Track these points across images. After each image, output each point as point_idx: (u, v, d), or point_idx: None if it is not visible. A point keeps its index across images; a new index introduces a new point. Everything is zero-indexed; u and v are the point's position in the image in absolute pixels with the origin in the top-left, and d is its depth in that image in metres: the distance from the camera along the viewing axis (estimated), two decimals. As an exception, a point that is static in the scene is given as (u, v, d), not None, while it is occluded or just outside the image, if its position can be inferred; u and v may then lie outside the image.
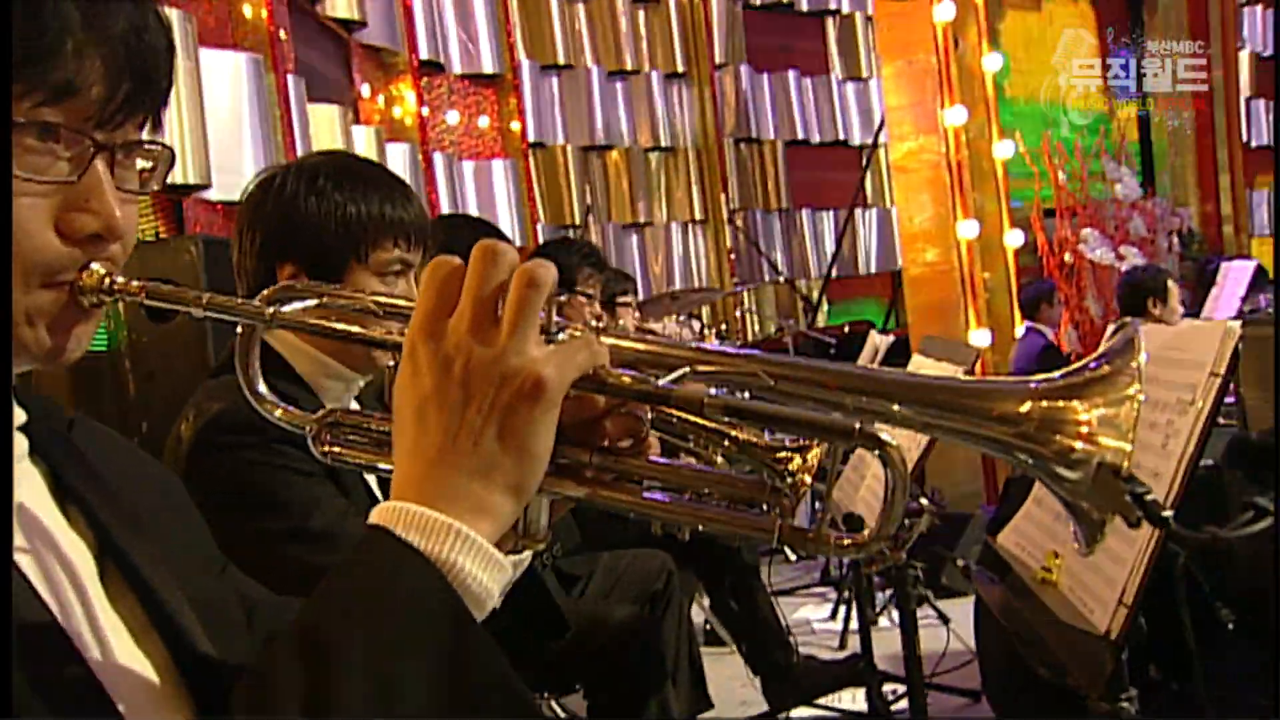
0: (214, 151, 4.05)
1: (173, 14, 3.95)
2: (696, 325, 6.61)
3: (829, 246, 9.26)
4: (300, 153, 5.20)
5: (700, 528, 0.79)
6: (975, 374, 3.10)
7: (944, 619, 4.29)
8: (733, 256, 8.98)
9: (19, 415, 0.78)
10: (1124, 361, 0.74)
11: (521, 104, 8.03)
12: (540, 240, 7.74)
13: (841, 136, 9.82)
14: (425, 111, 7.16)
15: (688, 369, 0.78)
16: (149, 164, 0.80)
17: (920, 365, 2.42)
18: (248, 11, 4.78)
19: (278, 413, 0.84)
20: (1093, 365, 0.74)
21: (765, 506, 0.78)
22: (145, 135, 0.78)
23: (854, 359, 3.75)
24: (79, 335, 0.76)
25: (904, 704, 2.97)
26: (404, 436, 0.74)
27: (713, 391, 0.77)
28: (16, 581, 0.69)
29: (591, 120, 8.60)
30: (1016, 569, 1.56)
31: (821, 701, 3.55)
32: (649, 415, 0.80)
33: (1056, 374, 0.75)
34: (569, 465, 0.79)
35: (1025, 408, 0.73)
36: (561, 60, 8.45)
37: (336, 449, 0.83)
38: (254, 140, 4.59)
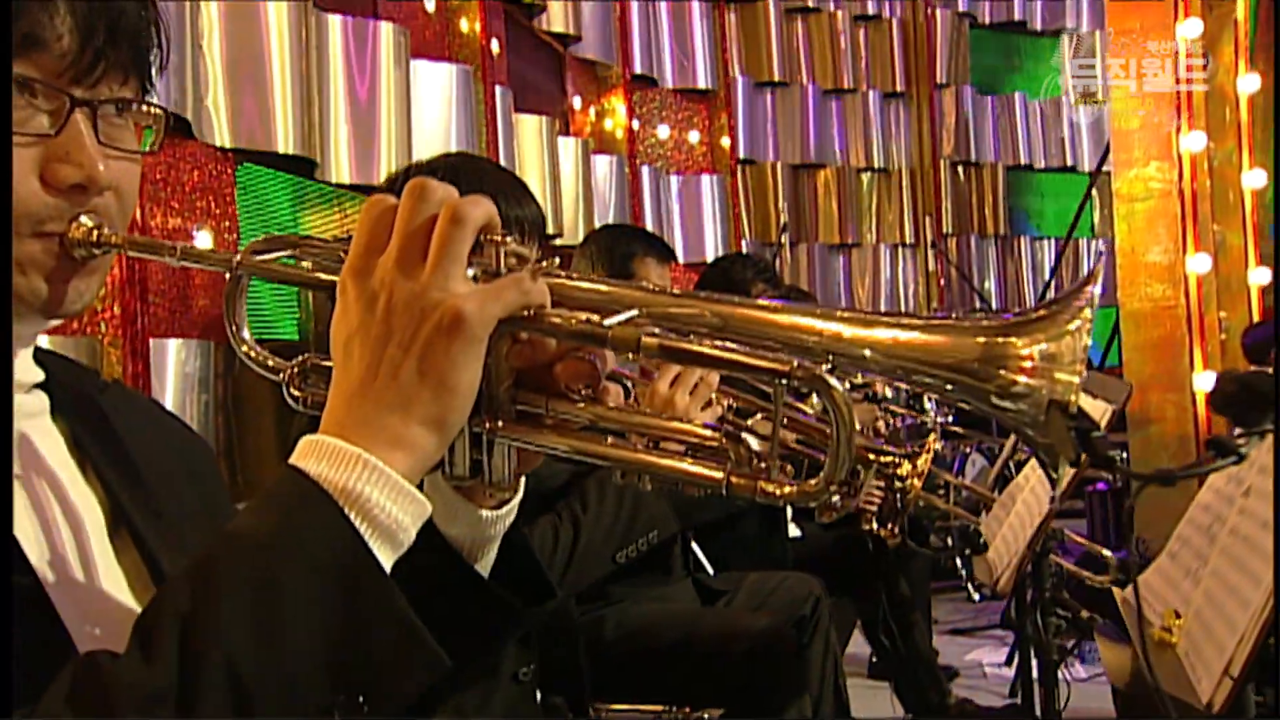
0: (420, 158, 4.28)
1: (386, 27, 4.22)
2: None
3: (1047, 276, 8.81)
4: (504, 163, 5.42)
5: (652, 474, 0.78)
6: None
7: (1097, 631, 3.99)
8: (942, 283, 8.68)
9: (36, 373, 0.84)
10: (1071, 299, 0.72)
11: (733, 120, 8.04)
12: (743, 257, 7.71)
13: (1070, 162, 9.32)
14: (635, 125, 7.30)
15: (636, 311, 0.77)
16: (150, 124, 0.85)
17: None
18: (464, 26, 5.02)
19: (256, 358, 0.87)
20: (1041, 306, 0.73)
21: (727, 458, 0.78)
22: (134, 95, 0.81)
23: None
24: (78, 288, 0.81)
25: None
26: (335, 374, 0.75)
27: (655, 332, 0.75)
28: None
29: (805, 138, 8.53)
30: (1133, 626, 1.43)
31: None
32: (609, 361, 0.79)
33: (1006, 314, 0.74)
34: (526, 412, 0.79)
35: (971, 345, 0.72)
36: (777, 77, 8.42)
37: (310, 395, 0.85)
38: (459, 148, 4.82)
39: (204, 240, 3.58)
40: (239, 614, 0.65)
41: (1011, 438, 2.86)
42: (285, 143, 3.92)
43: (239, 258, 0.84)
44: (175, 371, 3.23)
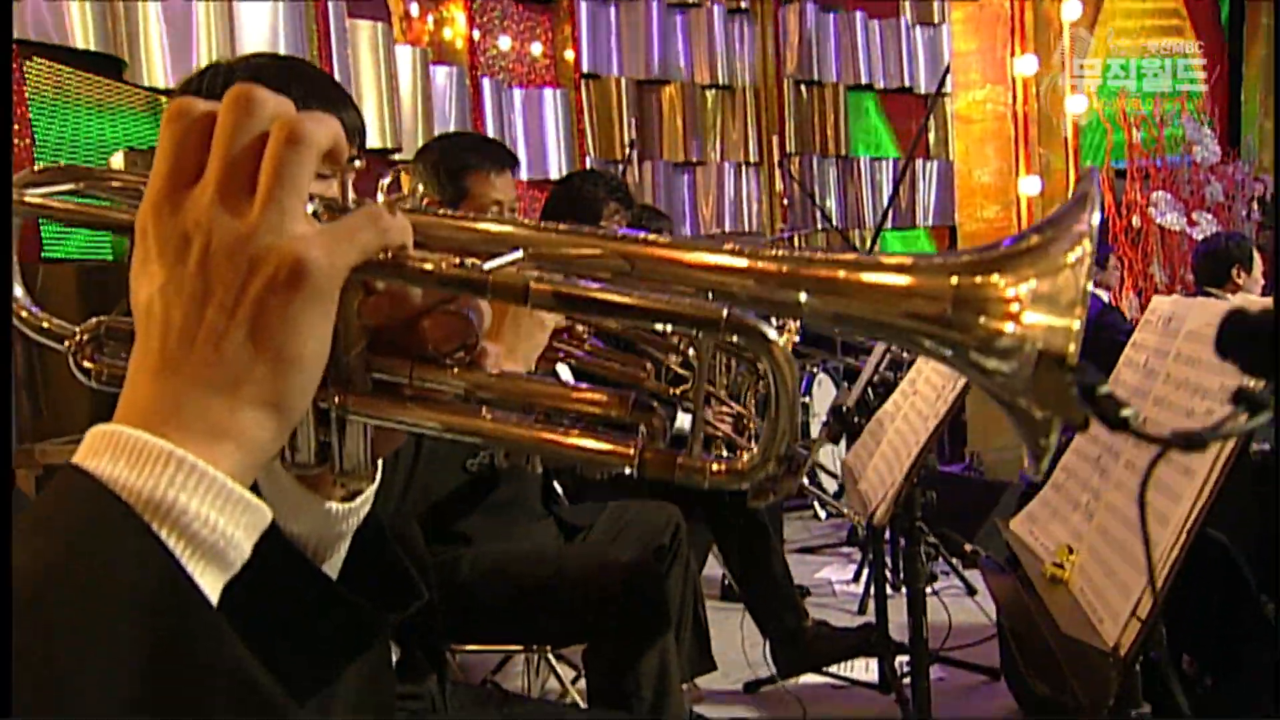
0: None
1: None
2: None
3: (887, 197, 8.97)
4: (338, 72, 5.06)
5: (548, 456, 0.64)
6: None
7: (970, 590, 4.13)
8: (785, 202, 8.72)
9: None
10: (1066, 225, 0.57)
11: (577, 32, 7.79)
12: (588, 174, 7.55)
13: (907, 83, 9.45)
14: (476, 35, 6.97)
15: (520, 253, 0.61)
16: None
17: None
18: (288, -81, 4.62)
19: (30, 321, 0.69)
20: (1026, 235, 0.58)
21: (632, 428, 0.63)
22: None
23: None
24: None
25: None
26: (137, 343, 0.57)
27: (545, 277, 0.60)
28: None
29: (649, 53, 8.34)
30: (1025, 562, 1.39)
31: (831, 670, 3.41)
32: (486, 315, 0.63)
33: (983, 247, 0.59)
34: (384, 382, 0.63)
35: (941, 286, 0.57)
36: (621, -12, 8.18)
37: (106, 368, 0.68)
38: (286, 54, 4.46)
39: (-8, 148, 3.19)
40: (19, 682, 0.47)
41: (872, 359, 2.83)
42: (84, 37, 3.52)
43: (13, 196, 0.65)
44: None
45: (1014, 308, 0.56)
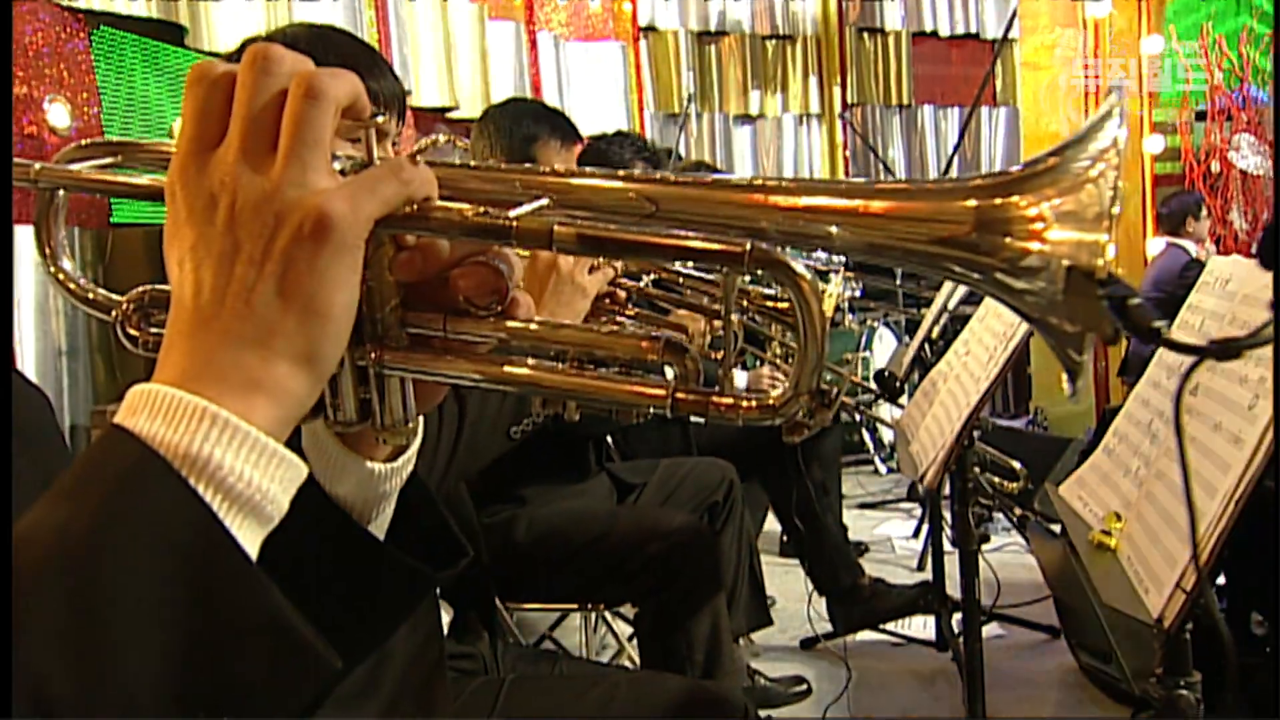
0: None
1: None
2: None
3: (951, 147, 8.76)
4: (394, 34, 5.07)
5: (582, 400, 0.65)
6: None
7: (1027, 530, 4.09)
8: (847, 154, 8.58)
9: None
10: (1085, 143, 0.57)
11: (634, -16, 7.69)
12: (647, 128, 7.50)
13: (974, 29, 9.19)
14: (533, -11, 6.92)
15: (545, 200, 0.62)
16: None
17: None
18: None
19: (78, 292, 0.72)
20: (1043, 157, 0.58)
21: (665, 370, 0.64)
22: None
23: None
24: None
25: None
26: (172, 305, 0.59)
27: (566, 220, 0.61)
28: None
29: (707, 3, 8.22)
30: (1072, 528, 1.37)
31: (888, 627, 3.41)
32: (516, 265, 0.64)
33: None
34: (420, 336, 0.64)
35: (960, 210, 0.57)
36: (679, -61, 8.06)
37: (153, 337, 0.69)
38: (346, 14, 4.48)
39: (59, 115, 3.26)
40: (51, 631, 0.49)
41: (929, 315, 2.79)
42: (147, 5, 3.57)
43: (38, 166, 0.67)
44: (34, 263, 2.96)
45: (1038, 226, 0.56)
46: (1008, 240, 0.56)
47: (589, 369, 0.65)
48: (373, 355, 0.64)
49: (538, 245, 0.60)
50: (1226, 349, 0.62)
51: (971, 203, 0.57)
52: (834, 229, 0.59)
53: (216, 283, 0.57)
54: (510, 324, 0.65)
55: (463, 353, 0.65)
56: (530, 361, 0.65)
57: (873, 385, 2.88)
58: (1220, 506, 1.08)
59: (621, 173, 0.64)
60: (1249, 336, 0.63)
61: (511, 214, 0.60)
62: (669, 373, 0.64)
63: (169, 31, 3.70)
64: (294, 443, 0.59)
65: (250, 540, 0.56)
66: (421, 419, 0.71)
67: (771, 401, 0.62)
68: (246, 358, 0.56)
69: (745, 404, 0.62)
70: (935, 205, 0.58)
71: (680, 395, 0.62)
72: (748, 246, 0.59)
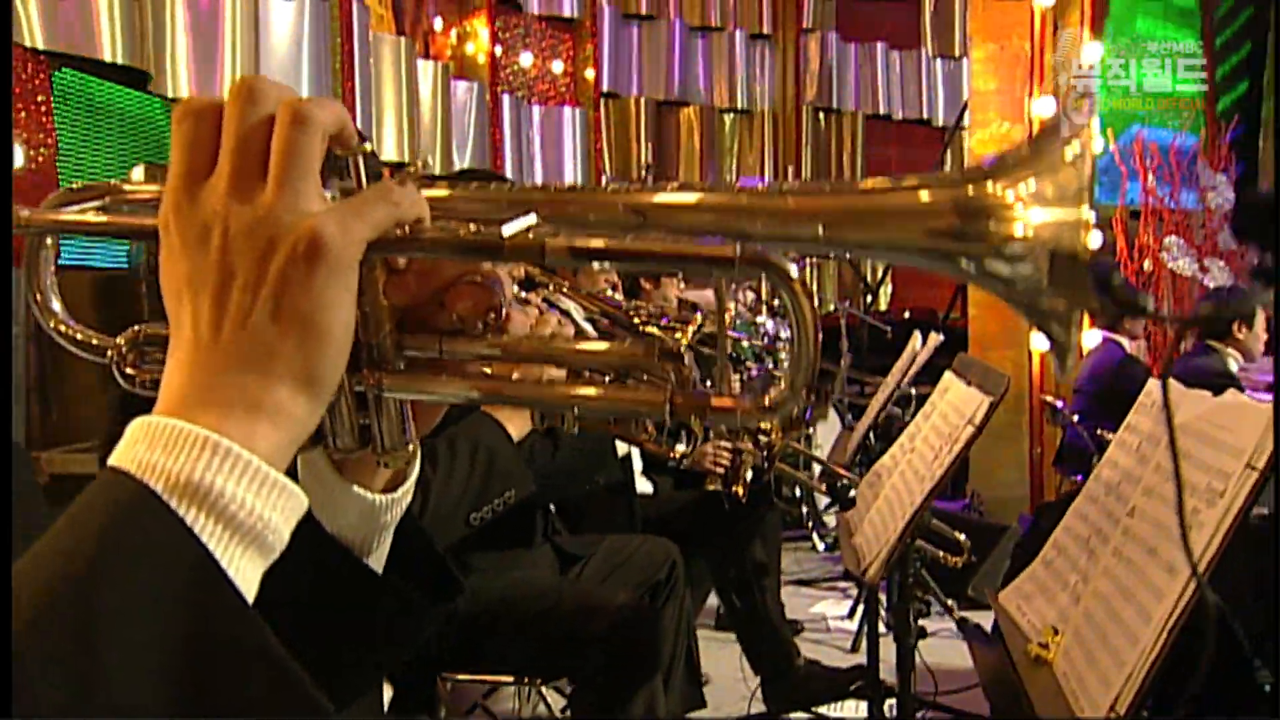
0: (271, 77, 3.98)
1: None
2: (750, 296, 6.43)
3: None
4: (359, 85, 5.11)
5: (580, 412, 0.66)
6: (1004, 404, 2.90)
7: (965, 634, 4.13)
8: (799, 229, 8.75)
9: None
10: (1057, 131, 0.58)
11: (598, 52, 7.84)
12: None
13: (925, 115, 9.48)
14: (498, 51, 7.02)
15: (534, 216, 0.63)
16: None
17: (950, 384, 2.25)
18: (317, -65, 4.67)
19: (70, 335, 0.71)
20: (1020, 145, 0.59)
21: (663, 376, 0.65)
22: None
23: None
24: None
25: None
26: (171, 337, 0.59)
27: (557, 234, 0.62)
28: None
29: (669, 74, 8.39)
30: (1009, 636, 1.41)
31: (821, 710, 3.42)
32: (507, 284, 0.66)
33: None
34: (417, 358, 0.65)
35: (941, 201, 0.58)
36: (644, 10, 8.23)
37: (149, 374, 0.69)
38: (313, 67, 4.51)
39: (14, 156, 3.23)
40: (49, 673, 0.48)
41: (876, 399, 2.85)
42: (112, 49, 3.57)
43: (27, 213, 0.67)
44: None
45: (1019, 209, 0.57)
46: (991, 225, 0.57)
47: (585, 380, 0.67)
48: (371, 380, 0.65)
49: (529, 260, 0.62)
50: (1212, 319, 0.64)
51: (949, 192, 0.58)
52: (820, 229, 0.60)
53: (214, 310, 0.57)
54: (505, 341, 0.66)
55: (460, 372, 0.66)
56: (526, 377, 0.66)
57: (822, 487, 2.92)
58: (1154, 635, 1.12)
59: (610, 187, 0.65)
60: (1236, 306, 0.64)
61: (503, 231, 0.61)
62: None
63: (132, 76, 3.70)
64: (290, 478, 0.59)
65: (252, 573, 0.56)
66: (418, 448, 0.71)
67: (768, 402, 0.62)
68: (247, 381, 0.56)
69: (743, 404, 0.62)
70: (917, 198, 0.59)
71: (678, 400, 0.63)
72: (738, 250, 0.60)
